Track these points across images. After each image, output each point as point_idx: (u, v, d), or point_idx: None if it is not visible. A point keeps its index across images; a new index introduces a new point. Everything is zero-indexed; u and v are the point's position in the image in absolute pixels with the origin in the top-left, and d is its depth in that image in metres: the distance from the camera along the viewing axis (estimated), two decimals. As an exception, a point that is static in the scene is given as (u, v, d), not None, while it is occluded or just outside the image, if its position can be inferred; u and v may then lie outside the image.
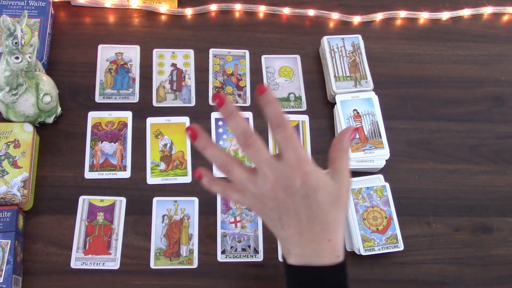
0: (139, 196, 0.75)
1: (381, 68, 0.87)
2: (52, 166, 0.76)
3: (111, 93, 0.81)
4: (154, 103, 0.81)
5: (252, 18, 0.91)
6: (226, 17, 0.90)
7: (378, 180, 0.78)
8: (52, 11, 0.84)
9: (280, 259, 0.73)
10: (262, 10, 0.90)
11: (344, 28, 0.91)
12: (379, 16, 0.92)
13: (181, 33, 0.87)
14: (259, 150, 0.51)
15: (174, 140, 0.79)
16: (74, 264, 0.70)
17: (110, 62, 0.83)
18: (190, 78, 0.84)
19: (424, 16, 0.93)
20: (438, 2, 0.95)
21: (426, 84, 0.88)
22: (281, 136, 0.51)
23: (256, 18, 0.91)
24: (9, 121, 0.74)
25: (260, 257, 0.73)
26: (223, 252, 0.73)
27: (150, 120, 0.80)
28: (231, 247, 0.73)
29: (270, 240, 0.74)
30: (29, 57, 0.69)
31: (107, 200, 0.74)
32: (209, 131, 0.80)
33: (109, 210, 0.74)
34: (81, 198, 0.74)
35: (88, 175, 0.75)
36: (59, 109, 0.78)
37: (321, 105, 0.84)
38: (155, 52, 0.85)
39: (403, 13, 0.93)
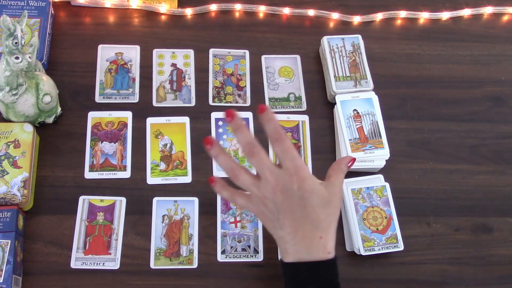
0: (139, 196, 0.75)
1: (381, 68, 0.87)
2: (52, 166, 0.76)
3: (111, 93, 0.81)
4: (154, 103, 0.81)
5: (252, 18, 0.91)
6: (226, 17, 0.90)
7: (378, 180, 0.78)
8: (52, 11, 0.84)
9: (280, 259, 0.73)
10: (262, 10, 0.90)
11: (344, 28, 0.91)
12: (379, 16, 0.92)
13: (181, 33, 0.87)
14: (262, 158, 0.58)
15: (174, 140, 0.79)
16: (74, 264, 0.70)
17: (110, 62, 0.83)
18: (190, 78, 0.84)
19: (424, 16, 0.93)
20: (438, 2, 0.95)
21: (426, 84, 0.88)
22: (280, 148, 0.58)
23: (256, 18, 0.91)
24: (9, 121, 0.74)
25: (260, 257, 0.73)
26: (223, 252, 0.73)
27: (150, 120, 0.80)
28: (231, 247, 0.73)
29: (270, 240, 0.74)
30: (29, 57, 0.69)
31: (107, 200, 0.74)
32: (209, 131, 0.80)
33: (109, 210, 0.74)
34: (81, 198, 0.74)
35: (88, 175, 0.75)
36: (59, 109, 0.78)
37: (321, 105, 0.84)
38: (155, 52, 0.85)
39: (403, 13, 0.93)
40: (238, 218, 0.75)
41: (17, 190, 0.70)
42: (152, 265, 0.71)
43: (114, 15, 0.87)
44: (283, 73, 0.86)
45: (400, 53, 0.90)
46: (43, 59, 0.79)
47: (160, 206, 0.75)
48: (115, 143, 0.78)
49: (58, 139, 0.77)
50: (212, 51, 0.86)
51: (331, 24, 0.92)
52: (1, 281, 0.64)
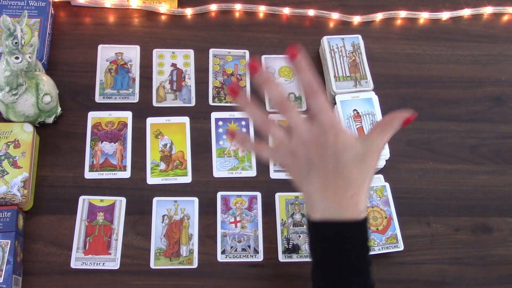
0: (139, 196, 0.75)
1: (381, 68, 0.87)
2: (52, 166, 0.76)
3: (111, 93, 0.81)
4: (154, 103, 0.81)
5: (252, 18, 0.91)
6: (226, 17, 0.90)
7: (378, 180, 0.78)
8: (52, 11, 0.84)
9: (281, 259, 0.73)
10: (262, 10, 0.90)
11: (344, 28, 0.91)
12: (379, 16, 0.92)
13: (181, 33, 0.87)
14: (295, 113, 0.55)
15: (174, 140, 0.79)
16: (74, 264, 0.70)
17: (110, 62, 0.83)
18: (190, 78, 0.84)
19: (424, 16, 0.93)
20: (438, 2, 0.95)
21: (426, 84, 0.88)
22: (315, 103, 0.54)
23: (256, 18, 0.91)
24: (9, 121, 0.74)
25: (260, 257, 0.73)
26: (223, 252, 0.73)
27: (150, 120, 0.80)
28: (231, 247, 0.73)
29: (270, 240, 0.74)
30: (29, 57, 0.69)
31: (107, 200, 0.74)
32: (209, 131, 0.80)
33: (109, 210, 0.74)
34: (81, 198, 0.74)
35: (88, 175, 0.75)
36: (59, 109, 0.78)
37: (321, 105, 0.84)
38: (155, 52, 0.85)
39: (403, 13, 0.93)
40: (238, 218, 0.75)
41: (17, 190, 0.70)
42: (152, 265, 0.71)
43: (114, 15, 0.87)
44: (283, 73, 0.86)
45: (400, 53, 0.90)
46: (43, 59, 0.79)
47: (160, 206, 0.75)
48: (115, 143, 0.78)
49: (58, 139, 0.77)
50: (212, 51, 0.86)
51: (331, 24, 0.92)
52: (1, 281, 0.64)
